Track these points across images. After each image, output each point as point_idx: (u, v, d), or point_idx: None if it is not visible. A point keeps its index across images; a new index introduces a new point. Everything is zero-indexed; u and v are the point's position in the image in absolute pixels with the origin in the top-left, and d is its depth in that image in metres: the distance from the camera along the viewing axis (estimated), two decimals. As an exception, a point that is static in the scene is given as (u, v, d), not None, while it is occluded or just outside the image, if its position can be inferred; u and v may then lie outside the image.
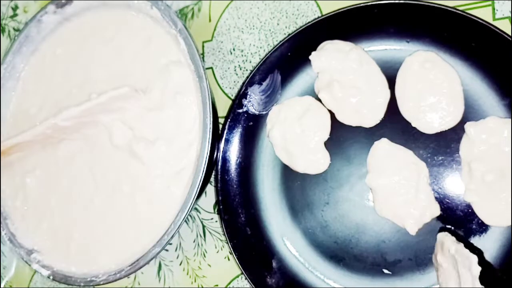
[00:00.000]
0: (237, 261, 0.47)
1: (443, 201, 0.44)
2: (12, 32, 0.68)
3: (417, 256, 0.44)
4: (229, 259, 0.51)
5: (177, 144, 0.47)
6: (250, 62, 0.54)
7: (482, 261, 0.42)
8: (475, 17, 0.43)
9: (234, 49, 0.55)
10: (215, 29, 0.55)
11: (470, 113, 0.44)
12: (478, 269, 0.36)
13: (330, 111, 0.48)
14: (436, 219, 0.44)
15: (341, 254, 0.46)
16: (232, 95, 0.54)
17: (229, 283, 0.51)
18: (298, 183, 0.49)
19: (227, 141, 0.50)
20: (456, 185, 0.44)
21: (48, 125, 0.49)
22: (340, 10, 0.46)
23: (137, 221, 0.48)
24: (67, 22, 0.55)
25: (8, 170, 0.55)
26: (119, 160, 0.49)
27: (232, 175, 0.50)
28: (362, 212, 0.46)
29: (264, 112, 0.50)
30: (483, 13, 0.45)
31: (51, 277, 0.50)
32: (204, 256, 0.53)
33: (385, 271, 0.45)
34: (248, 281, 0.47)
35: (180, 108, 0.48)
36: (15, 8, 0.68)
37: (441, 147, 0.44)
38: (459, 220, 0.43)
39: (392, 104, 0.46)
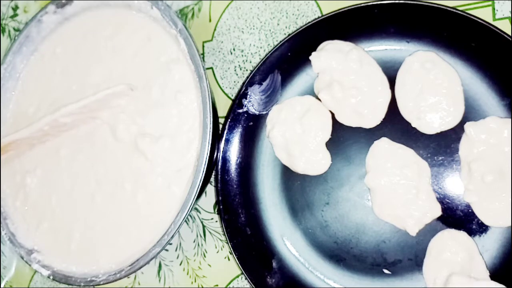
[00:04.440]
0: (237, 261, 0.47)
1: (443, 201, 0.44)
2: (12, 32, 0.68)
3: (417, 256, 0.44)
4: (229, 259, 0.51)
5: (178, 142, 0.47)
6: (250, 62, 0.54)
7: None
8: (475, 17, 0.43)
9: (234, 49, 0.55)
10: (215, 29, 0.55)
11: (470, 113, 0.44)
12: None
13: (330, 111, 0.48)
14: (436, 219, 0.43)
15: (341, 254, 0.46)
16: (232, 95, 0.54)
17: (229, 283, 0.51)
18: (298, 183, 0.49)
19: (227, 141, 0.50)
20: (456, 185, 0.44)
21: (46, 122, 0.49)
22: (340, 10, 0.46)
23: (137, 221, 0.48)
24: (67, 22, 0.55)
25: (9, 169, 0.55)
26: (122, 156, 0.49)
27: (232, 175, 0.50)
28: (362, 212, 0.46)
29: (264, 112, 0.50)
30: (483, 13, 0.45)
31: (51, 277, 0.50)
32: (204, 256, 0.53)
33: (385, 271, 0.45)
34: (248, 281, 0.47)
35: (181, 107, 0.48)
36: (15, 8, 0.68)
37: (441, 147, 0.44)
38: (459, 220, 0.43)
39: (392, 105, 0.46)
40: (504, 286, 0.39)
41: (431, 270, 0.42)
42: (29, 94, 0.56)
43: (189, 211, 0.44)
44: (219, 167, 0.49)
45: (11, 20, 0.68)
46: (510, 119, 0.42)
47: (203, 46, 0.56)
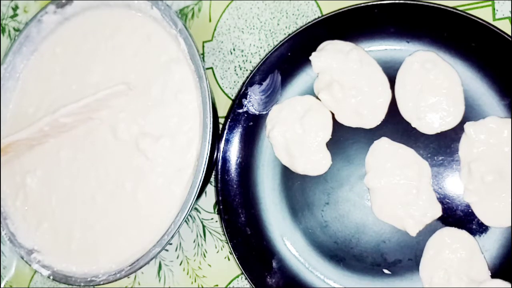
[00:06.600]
0: (237, 261, 0.47)
1: (443, 201, 0.44)
2: (12, 32, 0.68)
3: (417, 256, 0.44)
4: (229, 259, 0.51)
5: (178, 142, 0.47)
6: (250, 62, 0.54)
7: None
8: (475, 17, 0.43)
9: (234, 49, 0.55)
10: (215, 29, 0.55)
11: (470, 113, 0.44)
12: None
13: (330, 112, 0.48)
14: (437, 219, 0.43)
15: (341, 254, 0.46)
16: (232, 95, 0.54)
17: (229, 283, 0.51)
18: (298, 183, 0.49)
19: (227, 141, 0.50)
20: (456, 185, 0.44)
21: (46, 122, 0.50)
22: (340, 10, 0.46)
23: (137, 220, 0.48)
24: (67, 22, 0.55)
25: (9, 170, 0.55)
26: (122, 156, 0.49)
27: (232, 175, 0.50)
28: (362, 212, 0.46)
29: (264, 112, 0.50)
30: (483, 13, 0.45)
31: (51, 277, 0.50)
32: (204, 256, 0.53)
33: (385, 271, 0.45)
34: (248, 281, 0.47)
35: (181, 107, 0.48)
36: (15, 8, 0.68)
37: (441, 147, 0.44)
38: (459, 220, 0.43)
39: (392, 105, 0.46)
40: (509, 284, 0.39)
41: (428, 269, 0.42)
42: (29, 94, 0.56)
43: (189, 211, 0.44)
44: (219, 167, 0.49)
45: (11, 20, 0.68)
46: (510, 119, 0.42)
47: (203, 46, 0.56)
